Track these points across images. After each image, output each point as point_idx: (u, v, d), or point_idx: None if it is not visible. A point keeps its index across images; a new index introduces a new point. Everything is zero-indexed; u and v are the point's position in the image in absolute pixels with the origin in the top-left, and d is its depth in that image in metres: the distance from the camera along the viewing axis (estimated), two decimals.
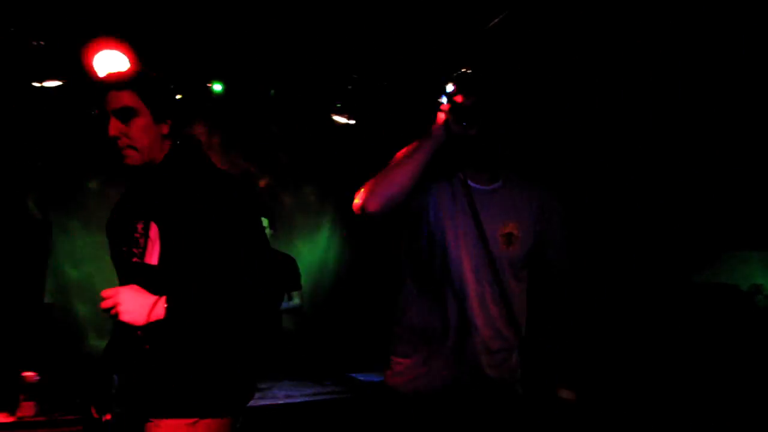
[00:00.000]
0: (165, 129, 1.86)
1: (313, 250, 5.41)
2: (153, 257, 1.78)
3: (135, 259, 1.82)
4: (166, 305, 1.71)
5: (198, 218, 1.76)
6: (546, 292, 2.07)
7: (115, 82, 1.80)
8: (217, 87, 4.58)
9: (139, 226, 1.83)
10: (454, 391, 1.95)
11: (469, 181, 1.98)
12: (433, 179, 2.01)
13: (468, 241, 1.95)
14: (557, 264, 2.06)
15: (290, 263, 4.32)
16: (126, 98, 1.80)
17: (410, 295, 2.03)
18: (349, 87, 4.69)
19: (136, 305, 1.71)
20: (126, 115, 1.80)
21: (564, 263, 2.06)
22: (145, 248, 1.79)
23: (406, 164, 1.88)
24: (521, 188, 2.06)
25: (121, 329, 1.81)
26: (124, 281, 1.82)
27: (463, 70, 1.91)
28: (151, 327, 1.72)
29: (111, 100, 1.80)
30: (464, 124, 1.87)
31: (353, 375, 4.27)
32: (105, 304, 1.72)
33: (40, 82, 4.14)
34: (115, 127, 1.79)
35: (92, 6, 3.66)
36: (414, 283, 2.03)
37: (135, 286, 1.74)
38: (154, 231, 1.79)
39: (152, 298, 1.72)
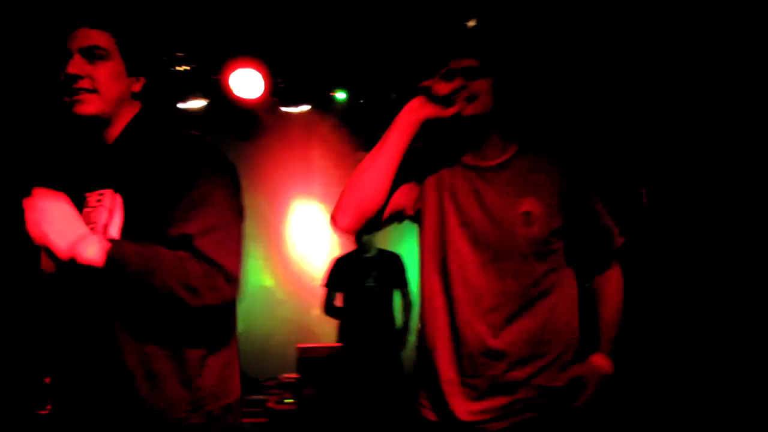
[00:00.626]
0: (137, 86, 1.57)
1: None
2: (113, 230, 1.47)
3: None
4: (109, 249, 1.33)
5: (165, 187, 1.47)
6: (589, 283, 1.75)
7: (87, 18, 1.52)
8: (341, 95, 4.78)
9: (92, 198, 1.52)
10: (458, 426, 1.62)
11: (470, 160, 1.70)
12: (423, 169, 1.74)
13: (474, 230, 1.65)
14: (598, 250, 1.72)
15: (394, 260, 4.47)
16: (98, 37, 1.51)
17: (424, 303, 1.74)
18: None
19: (61, 220, 1.34)
20: (94, 55, 1.50)
21: (606, 249, 1.73)
22: (97, 222, 1.49)
23: (372, 170, 1.63)
24: (541, 158, 1.70)
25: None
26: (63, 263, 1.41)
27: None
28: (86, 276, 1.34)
29: (79, 38, 1.51)
30: (462, 104, 1.61)
31: None
32: (26, 208, 1.34)
33: (184, 102, 4.57)
34: (78, 65, 1.49)
35: (226, 26, 3.99)
36: (423, 287, 1.75)
37: (70, 204, 1.38)
38: (115, 202, 1.49)
39: (85, 229, 1.36)
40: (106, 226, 1.46)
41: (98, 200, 1.50)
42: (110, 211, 1.47)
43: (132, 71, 1.55)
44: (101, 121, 1.53)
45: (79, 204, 1.50)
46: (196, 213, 1.43)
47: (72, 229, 1.33)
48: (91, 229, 1.43)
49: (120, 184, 1.49)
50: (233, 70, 4.27)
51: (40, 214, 1.31)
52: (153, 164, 1.50)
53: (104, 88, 1.50)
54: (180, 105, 4.51)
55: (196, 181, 1.46)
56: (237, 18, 3.93)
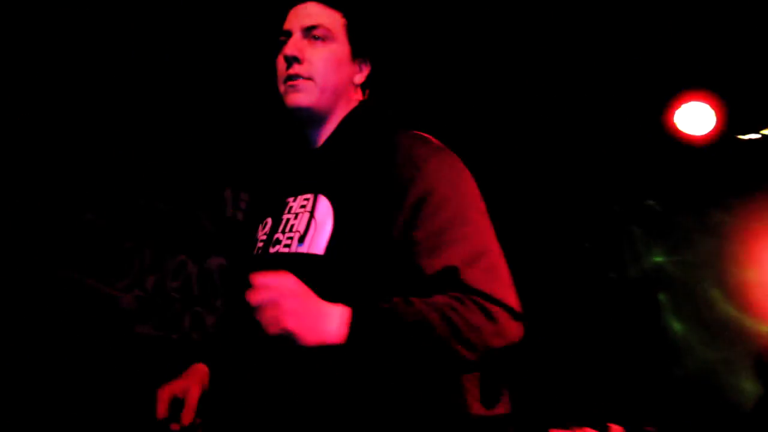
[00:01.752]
0: (360, 76, 1.35)
1: None
2: (317, 244, 1.17)
3: (278, 249, 1.23)
4: (349, 324, 1.05)
5: (388, 194, 1.16)
6: None
7: None
8: None
9: (296, 204, 1.27)
10: None
11: None
12: None
13: None
14: None
15: None
16: (325, 16, 1.30)
17: None
18: None
19: (304, 309, 1.03)
20: (315, 36, 1.29)
21: None
22: (299, 230, 1.21)
23: None
24: None
25: (251, 334, 1.15)
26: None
27: None
28: (314, 353, 1.04)
29: (301, 16, 1.31)
30: None
31: None
32: (257, 298, 1.05)
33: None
34: (296, 45, 1.28)
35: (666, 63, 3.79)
36: None
37: (294, 278, 1.06)
38: (323, 208, 1.21)
39: (323, 304, 1.06)
40: (306, 239, 1.20)
41: (302, 206, 1.25)
42: (317, 218, 1.21)
43: (358, 54, 1.33)
44: (315, 116, 1.31)
45: (280, 209, 1.31)
46: (452, 237, 1.11)
47: (314, 317, 1.04)
48: (290, 238, 1.22)
49: (330, 189, 1.24)
50: (678, 106, 4.01)
51: (281, 306, 1.03)
52: (370, 167, 1.23)
53: (322, 75, 1.28)
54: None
55: (437, 195, 1.15)
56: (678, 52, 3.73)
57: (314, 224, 1.20)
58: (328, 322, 1.04)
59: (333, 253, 1.16)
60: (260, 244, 1.31)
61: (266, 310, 1.02)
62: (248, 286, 1.06)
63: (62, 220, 2.55)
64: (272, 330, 1.02)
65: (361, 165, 1.24)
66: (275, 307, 1.02)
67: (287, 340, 1.02)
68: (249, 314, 1.08)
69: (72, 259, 2.55)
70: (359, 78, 1.35)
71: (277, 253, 1.23)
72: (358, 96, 1.36)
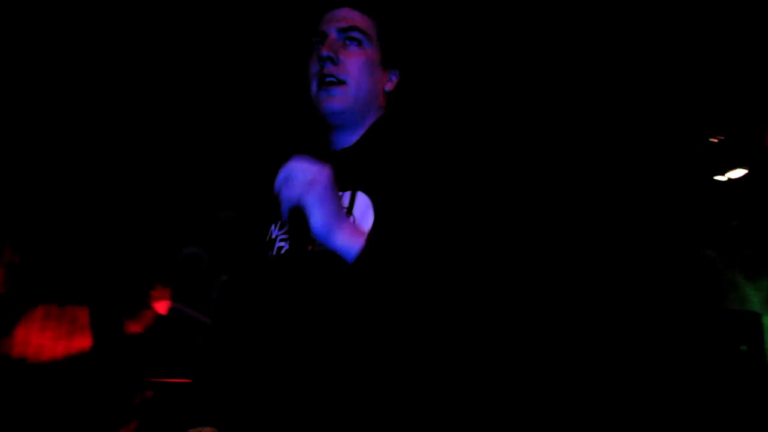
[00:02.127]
0: (390, 84, 1.36)
1: None
2: None
3: (312, 246, 1.17)
4: (366, 240, 1.09)
5: (426, 191, 1.19)
6: None
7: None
8: None
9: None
10: None
11: None
12: None
13: None
14: None
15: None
16: (360, 20, 1.32)
17: None
18: None
19: (332, 194, 1.08)
20: (351, 38, 1.31)
21: None
22: None
23: None
24: None
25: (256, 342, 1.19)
26: (277, 290, 1.19)
27: None
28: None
29: (337, 18, 1.32)
30: None
31: None
32: (290, 169, 1.09)
33: (723, 174, 4.31)
34: (331, 46, 1.29)
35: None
36: None
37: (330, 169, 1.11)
38: (362, 204, 1.22)
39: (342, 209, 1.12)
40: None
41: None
42: (355, 214, 1.21)
43: (388, 64, 1.35)
44: (348, 119, 1.32)
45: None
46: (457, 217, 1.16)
47: (336, 201, 1.08)
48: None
49: (368, 185, 1.23)
50: None
51: (308, 182, 1.06)
52: (406, 166, 1.23)
53: (355, 78, 1.29)
54: (718, 177, 4.28)
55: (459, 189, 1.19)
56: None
57: (353, 220, 1.21)
58: (347, 221, 1.09)
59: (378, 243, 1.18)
60: (283, 244, 1.30)
61: (295, 182, 1.07)
62: (266, 291, 1.15)
63: (165, 253, 2.80)
64: (293, 199, 1.06)
65: (396, 163, 1.26)
66: (305, 179, 1.06)
67: (303, 215, 1.06)
68: (260, 320, 1.16)
69: (173, 289, 2.79)
70: (390, 86, 1.37)
71: (312, 250, 1.18)
72: (386, 104, 1.39)
